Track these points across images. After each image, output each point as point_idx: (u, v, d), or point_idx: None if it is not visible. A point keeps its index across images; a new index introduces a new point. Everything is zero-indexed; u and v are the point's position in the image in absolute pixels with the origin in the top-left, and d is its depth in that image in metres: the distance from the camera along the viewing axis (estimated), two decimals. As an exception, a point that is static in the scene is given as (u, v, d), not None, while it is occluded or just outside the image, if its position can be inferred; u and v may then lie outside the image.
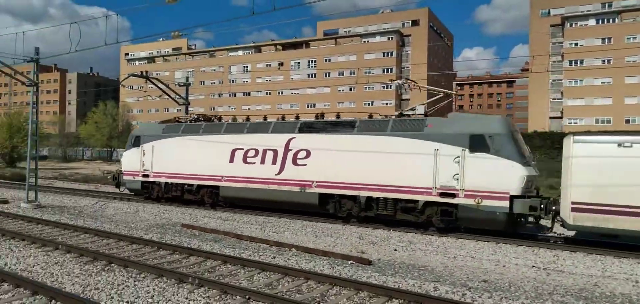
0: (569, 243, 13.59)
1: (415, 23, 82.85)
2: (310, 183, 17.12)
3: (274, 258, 11.24)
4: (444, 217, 14.74)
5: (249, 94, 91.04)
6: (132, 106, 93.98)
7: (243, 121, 21.12)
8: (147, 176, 21.74)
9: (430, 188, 14.71)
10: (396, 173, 15.34)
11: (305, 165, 17.28)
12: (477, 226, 14.41)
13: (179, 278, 8.90)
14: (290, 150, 17.64)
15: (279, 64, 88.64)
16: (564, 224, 13.14)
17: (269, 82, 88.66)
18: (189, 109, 29.59)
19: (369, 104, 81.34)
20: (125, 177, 22.77)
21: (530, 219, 14.19)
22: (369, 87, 79.32)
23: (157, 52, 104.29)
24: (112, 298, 7.87)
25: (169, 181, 21.01)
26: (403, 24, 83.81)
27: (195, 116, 23.33)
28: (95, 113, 75.39)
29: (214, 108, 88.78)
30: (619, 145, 12.21)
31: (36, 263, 10.06)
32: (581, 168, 12.47)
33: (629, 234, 12.21)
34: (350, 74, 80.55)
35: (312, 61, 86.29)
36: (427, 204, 14.90)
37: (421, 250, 12.85)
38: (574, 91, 69.80)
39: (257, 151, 18.44)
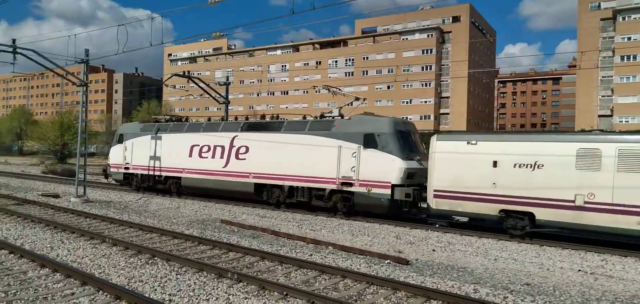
0: (618, 247, 12.95)
1: (456, 19, 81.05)
2: (248, 175, 20.05)
3: (311, 255, 11.30)
4: (345, 202, 17.42)
5: (287, 93, 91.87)
6: (174, 105, 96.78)
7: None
8: (128, 168, 25.22)
9: (335, 178, 17.42)
10: (310, 166, 18.09)
11: (245, 159, 20.22)
12: (369, 210, 17.08)
13: (219, 273, 9.10)
14: (234, 146, 20.59)
15: (317, 62, 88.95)
16: (428, 208, 15.71)
17: (307, 81, 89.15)
18: (229, 108, 30.21)
19: (407, 103, 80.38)
20: (111, 170, 26.33)
21: (410, 204, 16.35)
22: (408, 85, 78.29)
23: (199, 52, 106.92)
24: (155, 290, 8.14)
25: (144, 172, 24.34)
26: (443, 21, 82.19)
27: (168, 117, 26.88)
28: (139, 112, 78.13)
29: (252, 107, 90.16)
30: (468, 142, 14.92)
31: (85, 255, 10.55)
32: (440, 162, 15.16)
33: (474, 216, 15.22)
34: (389, 72, 79.81)
35: (349, 59, 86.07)
36: (333, 192, 17.63)
37: (460, 251, 12.58)
38: (625, 88, 66.33)
39: (209, 147, 21.52)
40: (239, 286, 8.44)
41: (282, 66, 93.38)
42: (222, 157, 20.93)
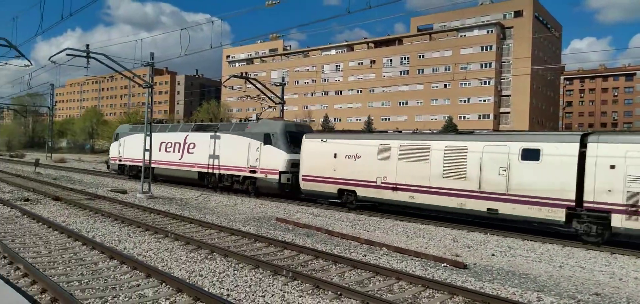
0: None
1: (518, 14, 77.50)
2: (194, 165, 26.05)
3: (365, 256, 11.24)
4: (252, 186, 23.06)
5: (341, 93, 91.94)
6: (232, 105, 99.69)
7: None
8: (121, 161, 31.64)
9: (246, 167, 23.14)
10: (231, 159, 23.90)
11: (193, 153, 26.20)
12: (267, 191, 22.44)
13: (274, 270, 9.27)
14: (186, 143, 26.64)
15: (371, 61, 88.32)
16: (300, 189, 21.11)
17: (361, 81, 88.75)
18: (284, 108, 30.71)
19: (464, 101, 77.95)
20: (110, 162, 33.29)
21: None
22: (465, 84, 75.89)
23: (255, 53, 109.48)
24: (214, 285, 8.42)
25: (131, 164, 30.51)
26: (504, 16, 78.87)
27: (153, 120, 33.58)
28: (199, 112, 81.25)
29: (306, 107, 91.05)
30: (321, 140, 20.48)
31: (149, 249, 11.11)
32: (305, 154, 20.73)
33: (324, 194, 20.23)
34: (445, 70, 77.79)
35: (404, 58, 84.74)
36: (245, 178, 23.46)
37: (522, 256, 12.02)
38: None
39: (171, 144, 27.51)
40: (293, 284, 8.55)
41: (336, 66, 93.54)
42: (178, 151, 27.10)
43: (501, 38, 77.81)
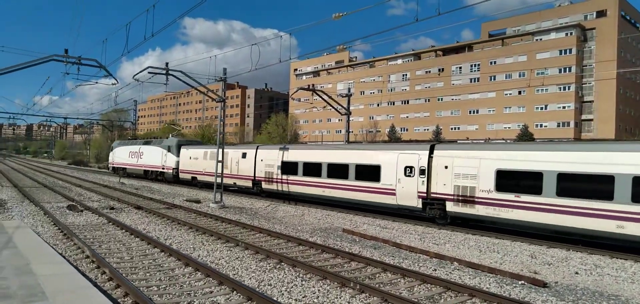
0: None
1: (601, 14, 72.03)
2: (141, 166, 42.31)
3: (435, 270, 10.86)
4: (161, 177, 38.87)
5: (408, 102, 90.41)
6: (299, 117, 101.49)
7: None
8: (113, 165, 50.11)
9: (161, 167, 38.78)
10: (154, 161, 40.08)
11: (142, 158, 42.47)
12: (168, 180, 37.76)
13: (342, 282, 9.21)
14: (140, 152, 42.92)
15: (439, 70, 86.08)
16: (178, 177, 36.56)
17: (428, 89, 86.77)
18: (350, 119, 30.73)
19: (541, 108, 73.59)
20: (110, 166, 51.99)
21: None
22: (542, 90, 71.62)
23: (322, 66, 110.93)
24: (283, 294, 8.52)
25: (118, 167, 48.14)
26: (585, 17, 73.68)
27: (131, 137, 52.99)
28: (268, 124, 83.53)
29: (372, 117, 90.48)
30: (186, 149, 35.99)
31: (221, 257, 11.50)
32: (181, 158, 36.24)
33: (186, 179, 35.37)
34: (520, 76, 73.99)
35: (475, 65, 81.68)
36: (159, 172, 38.96)
37: (610, 275, 11.02)
38: None
39: (134, 153, 44.33)
40: (361, 297, 8.44)
41: (403, 75, 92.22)
42: (136, 157, 43.92)
43: (582, 40, 72.68)
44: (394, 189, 19.69)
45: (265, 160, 27.27)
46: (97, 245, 12.32)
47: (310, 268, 10.23)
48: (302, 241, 13.57)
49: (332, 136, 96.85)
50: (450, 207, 17.46)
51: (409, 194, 19.02)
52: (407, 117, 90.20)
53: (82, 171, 59.22)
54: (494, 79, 77.80)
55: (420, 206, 18.52)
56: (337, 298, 8.38)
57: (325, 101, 29.65)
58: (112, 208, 20.42)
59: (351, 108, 32.03)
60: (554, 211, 14.55)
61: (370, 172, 20.82)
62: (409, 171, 19.08)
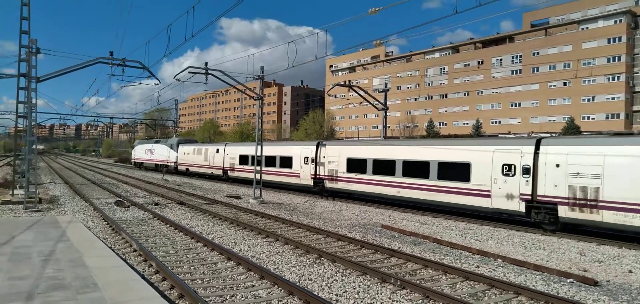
0: None
1: (653, -1, 68.11)
2: (154, 160, 52.59)
3: (478, 266, 10.62)
4: (165, 169, 48.04)
5: (446, 96, 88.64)
6: (335, 113, 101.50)
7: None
8: (135, 160, 61.78)
9: (166, 161, 48.62)
10: (162, 156, 49.86)
11: (153, 154, 53.14)
12: (172, 171, 47.08)
13: (382, 278, 9.16)
14: (153, 149, 53.28)
15: (479, 62, 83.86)
16: (177, 169, 47.15)
17: (468, 83, 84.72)
18: (387, 114, 30.44)
19: (588, 100, 70.46)
20: (133, 161, 63.07)
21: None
22: (589, 81, 68.52)
23: (357, 61, 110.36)
24: (323, 289, 8.56)
25: (137, 161, 60.40)
26: (636, 2, 69.86)
27: (147, 137, 65.92)
28: (305, 121, 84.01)
29: (409, 112, 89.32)
30: (182, 146, 46.61)
31: (262, 252, 11.68)
32: (180, 153, 46.32)
33: (181, 170, 45.93)
34: (565, 67, 71.07)
35: (516, 56, 79.04)
36: (166, 165, 48.39)
37: (668, 275, 10.42)
38: None
39: (149, 150, 54.84)
40: (402, 293, 8.36)
41: (441, 69, 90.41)
42: (150, 154, 53.75)
43: (632, 27, 68.95)
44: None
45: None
46: (143, 239, 12.77)
47: (350, 263, 10.23)
48: (341, 236, 13.58)
49: (368, 132, 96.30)
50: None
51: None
52: (446, 111, 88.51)
53: (128, 168, 61.54)
54: (537, 70, 75.09)
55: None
56: (377, 293, 8.34)
57: (361, 96, 29.50)
58: (156, 204, 21.11)
59: (388, 103, 31.72)
60: None
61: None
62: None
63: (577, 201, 14.68)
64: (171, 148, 47.76)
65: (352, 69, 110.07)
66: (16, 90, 19.40)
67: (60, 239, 11.16)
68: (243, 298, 7.90)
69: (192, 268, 9.90)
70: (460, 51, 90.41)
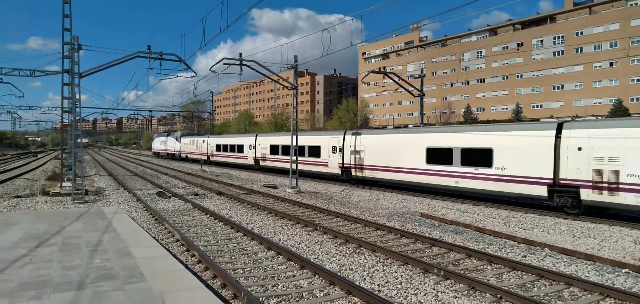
0: None
1: None
2: (166, 150, 68.01)
3: (525, 256, 10.24)
4: (173, 157, 64.61)
5: (484, 81, 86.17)
6: (369, 101, 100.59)
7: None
8: (154, 150, 77.47)
9: (174, 150, 63.45)
10: (171, 147, 65.16)
11: (166, 144, 68.29)
12: (178, 159, 61.46)
13: (425, 268, 8.96)
14: (166, 141, 68.82)
15: (518, 44, 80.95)
16: (180, 155, 61.84)
17: (507, 66, 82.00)
18: (423, 100, 29.85)
19: (637, 80, 66.83)
20: (153, 151, 78.81)
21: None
22: (638, 60, 64.93)
23: (391, 48, 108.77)
24: (365, 279, 8.45)
25: (157, 151, 74.34)
26: (689, -26, 65.47)
27: (165, 131, 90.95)
28: (338, 110, 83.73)
29: (446, 98, 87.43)
30: (183, 137, 61.20)
31: (301, 241, 11.67)
32: (182, 143, 59.87)
33: (184, 158, 59.87)
34: (611, 46, 67.66)
35: (559, 37, 75.76)
36: (173, 154, 64.35)
37: None
38: None
39: (162, 141, 71.83)
40: (446, 284, 8.15)
41: (478, 52, 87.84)
42: (164, 145, 68.42)
43: (687, 1, 64.75)
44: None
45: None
46: (185, 229, 13.03)
47: (390, 252, 10.07)
48: (379, 225, 13.41)
49: (403, 119, 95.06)
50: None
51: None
52: (484, 96, 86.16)
53: (166, 159, 63.28)
54: (581, 51, 71.84)
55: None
56: (420, 283, 8.16)
57: (397, 82, 29.02)
58: (196, 194, 21.54)
59: (423, 89, 31.09)
60: None
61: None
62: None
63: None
64: (177, 140, 62.49)
65: (385, 55, 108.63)
66: (61, 86, 20.14)
67: (107, 229, 11.52)
68: (284, 288, 7.90)
69: (233, 257, 10.00)
70: (498, 33, 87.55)
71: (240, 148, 42.14)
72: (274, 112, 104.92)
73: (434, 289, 7.84)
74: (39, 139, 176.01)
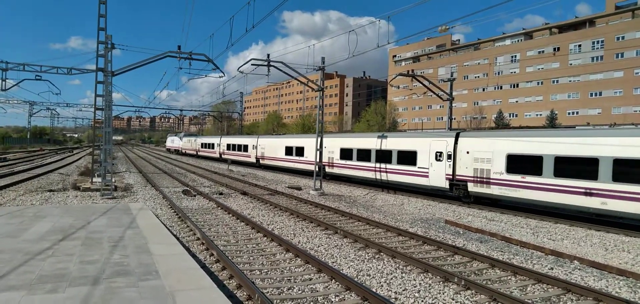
0: None
1: None
2: (174, 147, 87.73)
3: (552, 268, 9.81)
4: (177, 152, 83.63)
5: (517, 86, 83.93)
6: (398, 105, 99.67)
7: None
8: (166, 146, 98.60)
9: (178, 148, 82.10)
10: (176, 145, 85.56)
11: (174, 142, 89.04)
12: (180, 154, 77.97)
13: (445, 276, 8.68)
14: (173, 140, 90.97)
15: (555, 49, 78.48)
16: (181, 152, 79.76)
17: (542, 71, 79.60)
18: (453, 105, 29.23)
19: (682, 88, 63.65)
20: (167, 147, 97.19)
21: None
22: (683, 66, 61.88)
23: (422, 51, 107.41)
24: (382, 286, 8.26)
25: (171, 148, 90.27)
26: None
27: (182, 132, 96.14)
28: (367, 112, 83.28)
29: (477, 103, 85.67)
30: (185, 136, 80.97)
31: (320, 244, 11.55)
32: (183, 141, 79.48)
33: (184, 153, 77.13)
34: (654, 51, 64.74)
35: (598, 42, 73.02)
36: (177, 150, 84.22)
37: None
38: None
39: (173, 140, 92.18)
40: (466, 294, 7.86)
41: (512, 57, 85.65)
42: (173, 143, 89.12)
43: None
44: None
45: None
46: (207, 228, 13.12)
47: (410, 259, 9.82)
48: (401, 231, 13.15)
49: (432, 124, 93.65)
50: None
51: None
52: (517, 102, 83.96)
53: (196, 158, 64.35)
54: (621, 56, 69.02)
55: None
56: (439, 293, 7.91)
57: (426, 86, 28.56)
58: (221, 193, 21.74)
59: (454, 94, 30.46)
60: None
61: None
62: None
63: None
64: (180, 139, 79.26)
65: (416, 58, 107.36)
66: (94, 84, 20.71)
67: (130, 225, 11.71)
68: (300, 291, 7.79)
69: (251, 258, 9.98)
70: (533, 37, 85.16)
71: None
72: (302, 114, 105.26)
73: (453, 300, 7.57)
74: (76, 135, 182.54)
